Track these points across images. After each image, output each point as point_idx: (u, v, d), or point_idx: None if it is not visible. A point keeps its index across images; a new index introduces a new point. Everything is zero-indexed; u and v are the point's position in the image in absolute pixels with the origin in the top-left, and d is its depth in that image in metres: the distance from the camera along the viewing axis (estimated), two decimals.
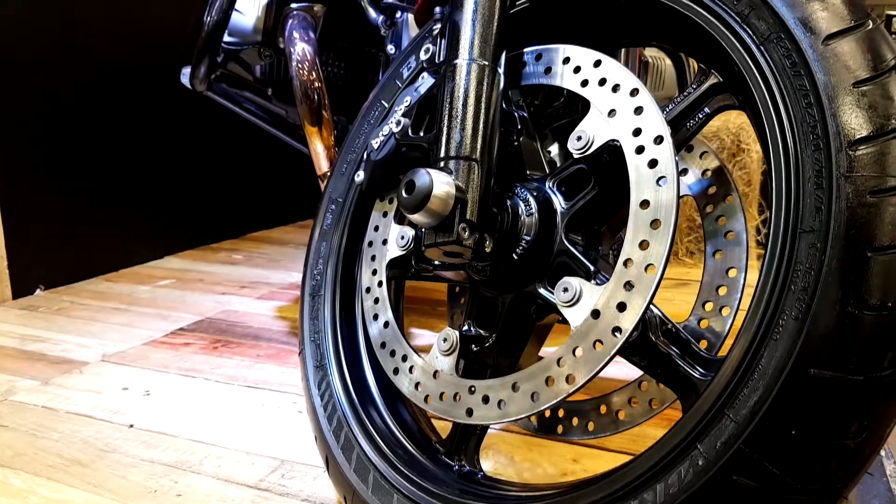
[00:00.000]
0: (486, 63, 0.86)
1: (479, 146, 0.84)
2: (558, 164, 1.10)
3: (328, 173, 1.58)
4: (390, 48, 1.50)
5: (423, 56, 0.95)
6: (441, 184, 0.80)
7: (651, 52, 1.62)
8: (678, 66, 1.53)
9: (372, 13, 1.45)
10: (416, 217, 0.80)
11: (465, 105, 0.85)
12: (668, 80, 1.61)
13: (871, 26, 0.69)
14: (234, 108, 1.68)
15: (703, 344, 0.93)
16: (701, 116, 0.85)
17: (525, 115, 0.99)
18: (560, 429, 1.01)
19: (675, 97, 0.87)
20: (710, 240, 0.94)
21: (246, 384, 1.56)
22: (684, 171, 0.98)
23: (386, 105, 1.13)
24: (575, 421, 1.00)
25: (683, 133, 0.86)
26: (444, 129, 0.85)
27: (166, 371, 1.65)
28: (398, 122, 0.95)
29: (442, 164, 0.84)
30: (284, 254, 2.97)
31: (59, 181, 2.41)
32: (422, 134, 0.95)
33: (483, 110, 0.85)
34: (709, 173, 0.96)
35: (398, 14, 1.45)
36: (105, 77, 2.53)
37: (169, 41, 2.66)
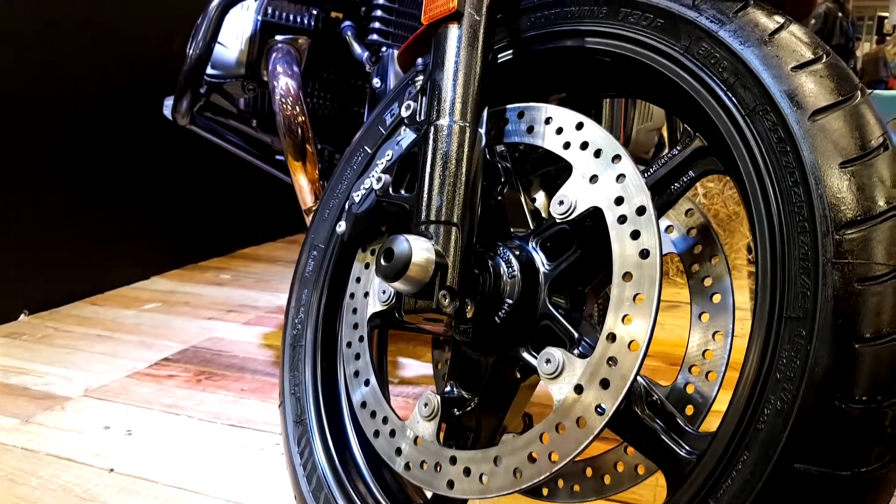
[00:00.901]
0: (467, 124, 0.84)
1: (459, 210, 0.82)
2: (543, 215, 1.09)
3: (313, 208, 1.56)
4: (376, 82, 1.48)
5: (404, 112, 0.93)
6: (420, 250, 0.78)
7: None
8: None
9: (357, 49, 1.43)
10: (396, 285, 0.78)
11: (444, 168, 0.83)
12: (656, 113, 1.59)
13: (858, 99, 0.68)
14: (218, 142, 1.66)
15: (690, 410, 0.91)
16: (686, 179, 0.83)
17: (508, 165, 0.97)
18: (545, 491, 0.99)
19: (660, 158, 0.85)
20: (696, 301, 0.92)
21: (229, 422, 1.54)
22: (669, 228, 0.96)
23: (369, 151, 1.11)
24: (560, 483, 0.98)
25: (668, 195, 0.84)
26: (424, 193, 0.83)
27: (149, 407, 1.62)
28: (379, 179, 0.94)
29: (422, 227, 0.82)
30: (273, 273, 2.95)
31: (43, 201, 2.38)
32: (403, 192, 0.93)
33: (463, 173, 0.83)
34: (694, 232, 0.94)
35: (383, 49, 1.43)
36: (88, 95, 2.50)
37: (154, 61, 2.63)
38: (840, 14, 8.00)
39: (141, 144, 2.71)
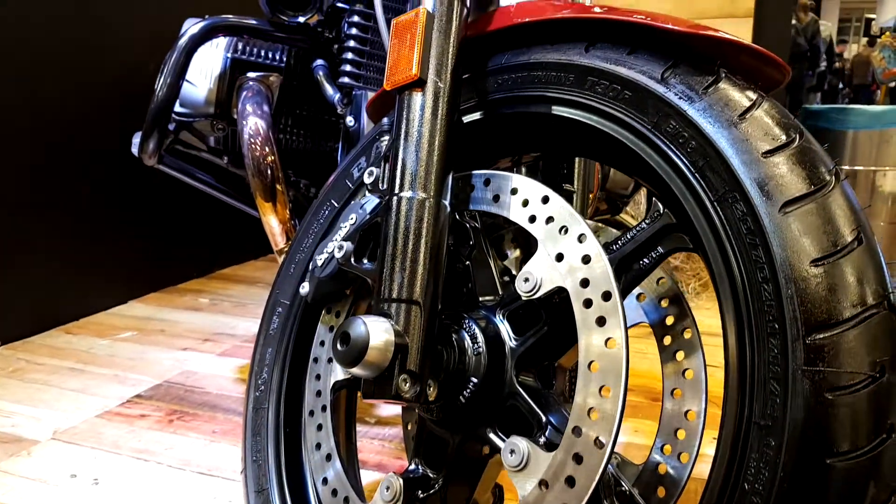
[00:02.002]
0: (429, 197, 0.81)
1: (421, 287, 0.79)
2: (514, 272, 1.06)
3: (285, 249, 1.53)
4: (350, 120, 1.45)
5: (367, 179, 0.90)
6: (379, 332, 0.75)
7: None
8: None
9: (329, 90, 1.39)
10: (354, 371, 0.74)
11: (405, 244, 0.80)
12: None
13: (831, 187, 0.65)
14: (189, 181, 1.62)
15: (661, 492, 0.88)
16: (654, 255, 0.80)
17: (478, 225, 0.94)
18: None
19: (628, 231, 0.82)
20: (668, 376, 0.89)
21: (199, 470, 1.50)
22: (640, 296, 0.93)
23: (336, 205, 1.08)
24: None
25: (637, 271, 0.81)
26: (385, 269, 0.80)
27: (118, 452, 1.58)
28: (341, 247, 0.90)
29: (383, 305, 0.79)
30: (252, 296, 2.91)
31: (18, 225, 2.33)
32: (366, 261, 0.89)
33: (426, 249, 0.80)
34: (666, 302, 0.91)
35: (355, 90, 1.40)
36: (64, 115, 2.46)
37: (130, 81, 2.59)
38: (793, 21, 8.09)
39: (117, 162, 2.65)
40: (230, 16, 1.46)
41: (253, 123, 1.42)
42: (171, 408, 1.82)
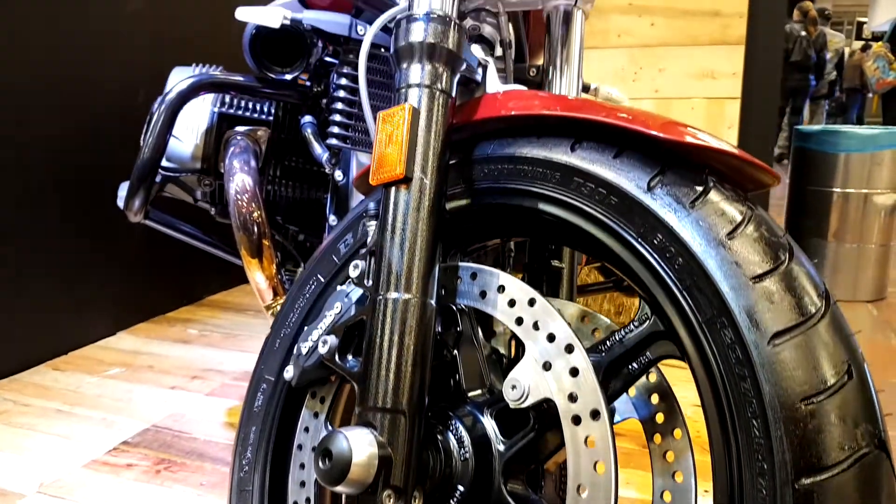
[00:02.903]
0: (415, 297, 0.80)
1: (406, 395, 0.78)
2: (502, 351, 1.04)
3: (272, 305, 1.51)
4: (338, 175, 1.43)
5: (352, 272, 0.89)
6: (362, 446, 0.73)
7: None
8: None
9: (317, 148, 1.38)
10: (338, 489, 0.73)
11: (390, 350, 0.78)
12: None
13: (821, 315, 0.63)
14: (175, 235, 1.60)
15: None
16: (644, 360, 0.79)
17: (465, 308, 0.92)
18: None
19: (617, 331, 0.81)
20: (658, 476, 0.88)
21: None
22: (630, 390, 0.92)
23: (322, 280, 1.06)
24: None
25: (625, 377, 0.80)
26: (369, 375, 0.78)
27: None
28: (325, 342, 0.89)
29: (367, 415, 0.78)
30: (242, 325, 2.88)
31: (2, 255, 2.30)
32: (350, 358, 0.88)
33: (410, 353, 0.78)
34: (656, 398, 0.90)
35: (343, 150, 1.38)
36: (50, 145, 2.43)
37: (120, 114, 2.57)
38: (803, 33, 8.19)
39: (103, 187, 2.63)
40: (217, 72, 1.44)
41: (240, 180, 1.41)
42: (159, 456, 1.80)
